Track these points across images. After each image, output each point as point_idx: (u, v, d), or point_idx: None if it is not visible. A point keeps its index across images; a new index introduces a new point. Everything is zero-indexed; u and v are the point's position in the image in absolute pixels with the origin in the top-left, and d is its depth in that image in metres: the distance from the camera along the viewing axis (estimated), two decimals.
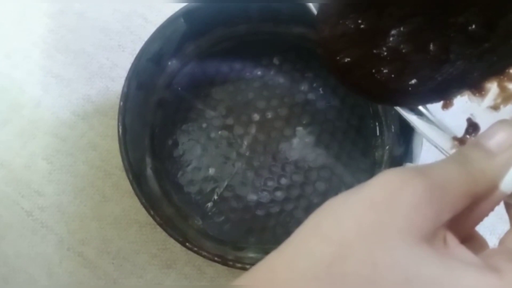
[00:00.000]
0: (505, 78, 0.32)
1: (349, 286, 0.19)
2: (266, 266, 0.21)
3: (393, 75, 0.32)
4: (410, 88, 0.32)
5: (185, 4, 0.42)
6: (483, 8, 0.31)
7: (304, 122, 0.45)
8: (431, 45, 0.31)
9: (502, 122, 0.23)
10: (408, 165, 0.41)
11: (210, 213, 0.43)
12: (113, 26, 0.50)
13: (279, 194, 0.44)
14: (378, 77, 0.32)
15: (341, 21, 0.31)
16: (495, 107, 0.32)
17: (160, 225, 0.38)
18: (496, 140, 0.23)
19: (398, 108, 0.32)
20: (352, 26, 0.31)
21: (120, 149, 0.39)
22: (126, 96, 0.41)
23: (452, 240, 0.22)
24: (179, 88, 0.46)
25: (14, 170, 0.46)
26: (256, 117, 0.45)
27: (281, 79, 0.46)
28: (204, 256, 0.38)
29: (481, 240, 0.25)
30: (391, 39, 0.31)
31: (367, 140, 0.45)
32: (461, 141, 0.31)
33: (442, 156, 0.30)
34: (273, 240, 0.42)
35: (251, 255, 0.41)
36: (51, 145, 0.47)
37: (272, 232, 0.43)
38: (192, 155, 0.44)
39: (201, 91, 0.46)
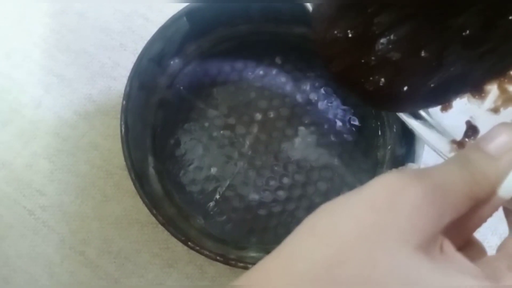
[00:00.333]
0: (506, 80, 0.31)
1: None
2: (262, 268, 0.21)
3: (383, 83, 0.31)
4: (404, 95, 0.31)
5: (187, 4, 0.42)
6: (482, 9, 0.30)
7: (306, 121, 0.45)
8: (423, 51, 0.30)
9: (503, 125, 0.23)
10: (410, 165, 0.41)
11: (212, 213, 0.43)
12: (114, 26, 0.50)
13: (281, 193, 0.44)
14: (368, 85, 0.31)
15: (330, 30, 0.31)
16: (495, 110, 0.31)
17: (162, 224, 0.38)
18: (496, 144, 0.22)
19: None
20: (340, 35, 0.31)
21: (122, 148, 0.39)
22: (128, 95, 0.41)
23: (448, 247, 0.21)
24: (181, 88, 0.46)
25: (16, 170, 0.46)
26: (258, 116, 0.45)
27: (283, 79, 0.46)
28: (206, 255, 0.38)
29: (479, 247, 0.25)
30: (380, 47, 0.30)
31: (369, 140, 0.45)
32: (460, 144, 0.30)
33: (442, 158, 0.30)
34: (274, 240, 0.42)
35: (252, 254, 0.41)
36: (53, 145, 0.47)
37: (274, 232, 0.43)
38: (194, 155, 0.44)
39: (203, 90, 0.46)
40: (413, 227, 0.20)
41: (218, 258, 0.38)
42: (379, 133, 0.45)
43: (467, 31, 0.30)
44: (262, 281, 0.20)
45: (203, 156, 0.44)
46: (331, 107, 0.46)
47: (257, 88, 0.46)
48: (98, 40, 0.49)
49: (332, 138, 0.45)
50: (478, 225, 0.23)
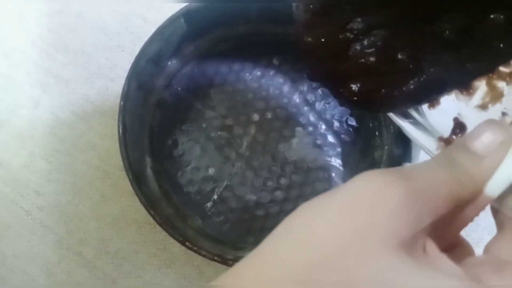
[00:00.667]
0: (494, 76, 0.31)
1: None
2: (238, 272, 0.20)
3: (359, 88, 0.30)
4: (382, 97, 0.30)
5: (185, 4, 0.42)
6: (459, 15, 0.29)
7: (303, 122, 0.45)
8: (399, 55, 0.30)
9: (489, 122, 0.22)
10: (407, 165, 0.41)
11: (209, 213, 0.43)
12: (112, 26, 0.50)
13: (278, 194, 0.44)
14: (345, 90, 0.31)
15: (304, 36, 0.30)
16: (483, 106, 0.31)
17: (160, 224, 0.38)
18: (483, 141, 0.22)
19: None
20: (314, 42, 0.30)
21: (120, 148, 0.39)
22: (126, 96, 0.40)
23: (432, 249, 0.20)
24: (179, 89, 0.46)
25: (13, 170, 0.46)
26: (255, 117, 0.46)
27: (280, 80, 0.47)
28: (203, 256, 0.38)
29: (466, 247, 0.24)
30: (354, 52, 0.30)
31: (366, 141, 0.45)
32: (447, 141, 0.30)
33: (430, 157, 0.30)
34: None
35: None
36: (50, 145, 0.47)
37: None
38: (192, 155, 0.45)
39: (201, 91, 0.46)
40: (391, 233, 0.19)
41: (215, 258, 0.38)
42: (376, 133, 0.45)
43: (445, 36, 0.30)
44: (237, 286, 0.20)
45: (200, 157, 0.45)
46: (328, 108, 0.46)
47: (255, 89, 0.46)
48: (96, 40, 0.49)
49: (330, 139, 0.45)
50: (464, 224, 0.23)
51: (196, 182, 0.44)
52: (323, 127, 0.45)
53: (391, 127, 0.44)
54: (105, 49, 0.49)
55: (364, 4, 0.29)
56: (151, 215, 0.38)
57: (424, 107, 0.31)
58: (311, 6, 0.30)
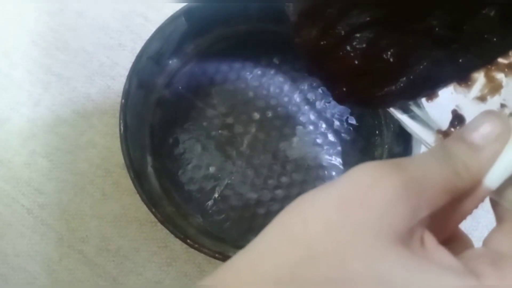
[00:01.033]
0: (493, 68, 0.30)
1: None
2: (232, 267, 0.20)
3: (347, 88, 0.30)
4: (373, 95, 0.30)
5: (185, 3, 0.42)
6: (448, 10, 0.29)
7: (303, 121, 0.46)
8: (386, 54, 0.30)
9: (488, 113, 0.22)
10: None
11: (210, 211, 0.43)
12: (113, 25, 0.50)
13: (279, 192, 0.44)
14: (336, 91, 0.31)
15: (295, 37, 0.30)
16: (482, 98, 0.30)
17: (162, 222, 0.38)
18: (480, 133, 0.21)
19: None
20: (303, 43, 0.30)
21: (121, 146, 0.40)
22: (127, 94, 0.41)
23: (430, 241, 0.20)
24: (179, 87, 0.46)
25: (14, 168, 0.46)
26: (256, 116, 0.46)
27: (280, 79, 0.47)
28: (205, 253, 0.38)
29: (465, 241, 0.24)
30: (340, 53, 0.30)
31: (367, 139, 0.45)
32: (445, 134, 0.29)
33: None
34: None
35: None
36: (51, 143, 0.47)
37: None
38: (193, 154, 0.45)
39: (201, 90, 0.46)
40: (385, 225, 0.19)
41: (217, 255, 0.38)
42: (376, 132, 0.45)
43: (435, 32, 0.29)
44: (231, 280, 0.19)
45: (201, 155, 0.45)
46: (329, 107, 0.46)
47: (255, 88, 0.46)
48: (97, 39, 0.49)
49: (330, 137, 0.45)
50: (463, 217, 0.22)
51: (197, 180, 0.44)
52: (324, 125, 0.46)
53: (391, 125, 0.44)
54: (105, 47, 0.49)
55: (351, 5, 0.29)
56: (152, 212, 0.38)
57: (423, 100, 0.31)
58: (300, 7, 0.30)
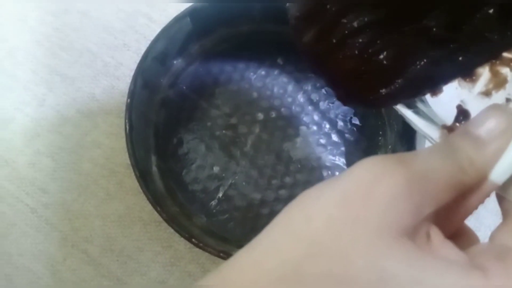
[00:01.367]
0: (497, 63, 0.30)
1: (317, 287, 0.18)
2: (235, 264, 0.20)
3: (345, 90, 0.31)
4: (371, 95, 0.30)
5: (190, 4, 0.42)
6: (445, 11, 0.29)
7: (307, 121, 0.46)
8: (383, 54, 0.29)
9: (493, 107, 0.22)
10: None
11: (214, 211, 0.43)
12: (117, 25, 0.50)
13: (283, 192, 0.44)
14: (336, 92, 0.31)
15: (295, 39, 0.30)
16: (487, 93, 0.30)
17: (166, 221, 0.38)
18: (486, 127, 0.21)
19: None
20: (303, 45, 0.31)
21: (127, 146, 0.40)
22: (132, 93, 0.41)
23: (436, 236, 0.20)
24: (184, 87, 0.46)
25: (18, 168, 0.46)
26: (260, 116, 0.46)
27: (284, 79, 0.47)
28: (209, 252, 0.38)
29: (471, 236, 0.24)
30: (337, 55, 0.30)
31: (370, 139, 0.45)
32: (450, 129, 0.29)
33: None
34: None
35: None
36: (55, 143, 0.47)
37: None
38: (197, 154, 0.45)
39: (206, 90, 0.46)
40: (389, 221, 0.19)
41: (221, 255, 0.38)
42: (380, 132, 0.45)
43: (432, 32, 0.29)
44: (235, 278, 0.19)
45: (205, 155, 0.45)
46: (332, 107, 0.46)
47: (259, 88, 0.47)
48: (101, 39, 0.50)
49: (334, 138, 0.46)
50: (469, 213, 0.22)
51: (201, 180, 0.44)
52: (327, 126, 0.46)
53: (395, 126, 0.44)
54: (110, 48, 0.49)
55: (349, 7, 0.29)
56: (157, 211, 0.38)
57: (427, 95, 0.30)
58: (298, 10, 0.30)
